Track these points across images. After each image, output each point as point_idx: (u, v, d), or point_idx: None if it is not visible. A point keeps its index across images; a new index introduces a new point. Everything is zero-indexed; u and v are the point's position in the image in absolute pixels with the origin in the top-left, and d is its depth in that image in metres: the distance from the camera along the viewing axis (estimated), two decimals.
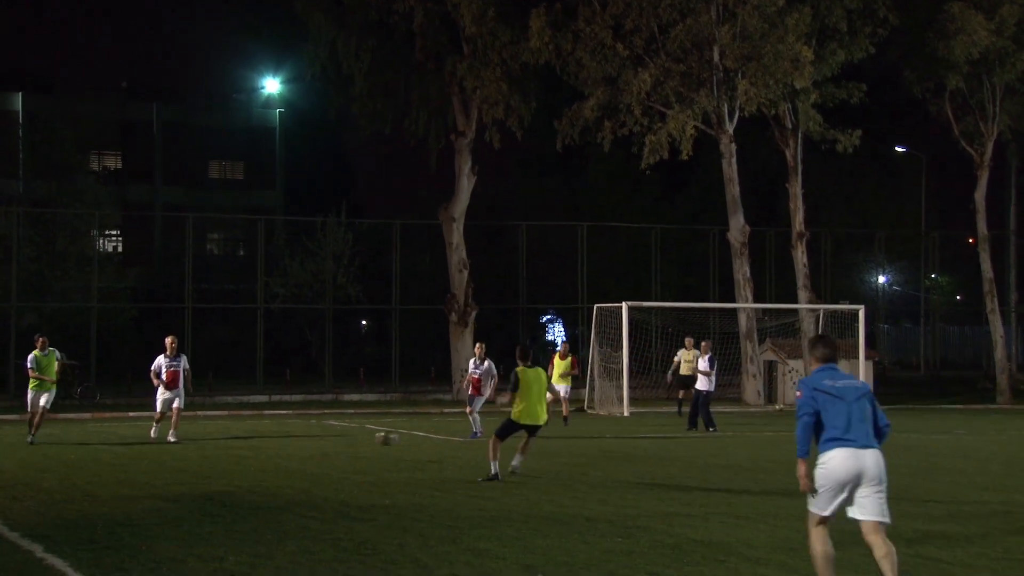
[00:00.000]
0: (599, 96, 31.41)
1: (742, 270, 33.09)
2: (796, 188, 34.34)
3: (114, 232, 50.38)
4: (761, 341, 33.30)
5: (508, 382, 14.59)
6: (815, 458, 7.45)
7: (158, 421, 19.54)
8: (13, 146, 44.45)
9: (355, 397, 33.80)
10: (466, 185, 34.47)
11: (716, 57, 31.15)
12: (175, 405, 19.39)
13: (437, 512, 11.26)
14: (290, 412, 28.60)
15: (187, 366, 19.51)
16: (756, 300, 34.23)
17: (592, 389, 29.53)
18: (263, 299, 36.72)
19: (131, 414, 26.73)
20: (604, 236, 41.66)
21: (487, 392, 20.16)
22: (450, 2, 32.01)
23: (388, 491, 12.84)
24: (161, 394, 19.31)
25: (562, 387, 23.71)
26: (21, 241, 34.82)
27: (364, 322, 50.16)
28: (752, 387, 32.81)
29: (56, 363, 18.93)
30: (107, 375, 33.80)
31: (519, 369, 14.08)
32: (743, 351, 32.99)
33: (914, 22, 33.21)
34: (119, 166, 53.22)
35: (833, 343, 7.86)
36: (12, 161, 43.93)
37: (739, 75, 31.00)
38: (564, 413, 23.92)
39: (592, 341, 30.02)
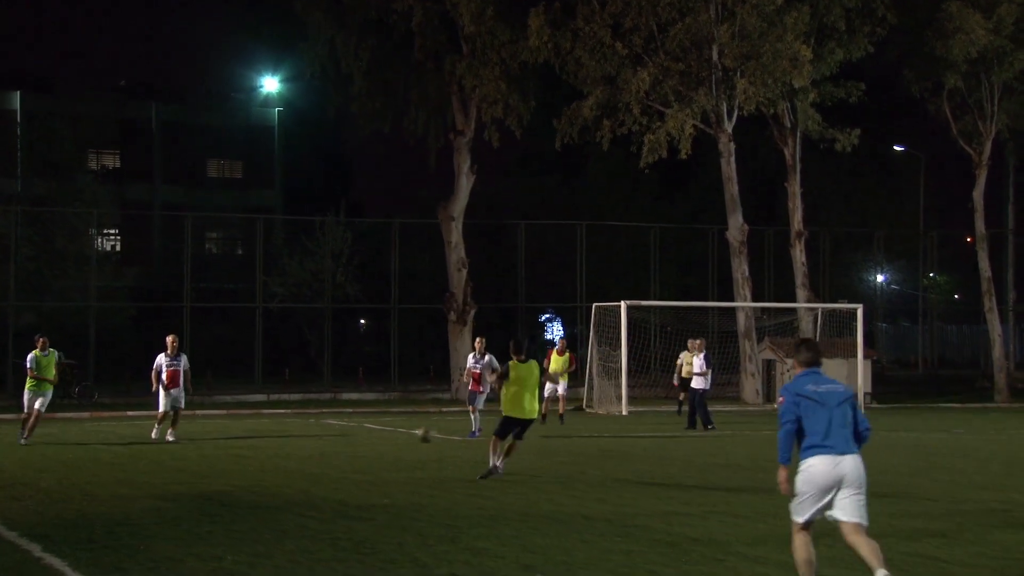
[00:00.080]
0: (598, 95, 31.42)
1: (741, 269, 33.10)
2: (795, 187, 34.35)
3: (113, 231, 50.35)
4: (760, 340, 33.31)
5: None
6: (796, 464, 7.53)
7: (160, 421, 19.45)
8: (12, 145, 44.42)
9: (354, 396, 33.80)
10: (465, 184, 34.47)
11: (715, 56, 31.16)
12: (178, 406, 19.38)
13: (436, 511, 11.26)
14: (289, 411, 28.60)
15: (187, 365, 19.49)
16: (755, 299, 34.24)
17: (591, 388, 29.53)
18: (262, 298, 36.72)
19: (129, 413, 26.72)
20: (603, 235, 41.66)
21: (487, 387, 20.07)
22: (449, 1, 32.00)
23: (387, 490, 12.84)
24: (164, 394, 19.25)
25: (559, 384, 23.74)
26: (19, 240, 34.80)
27: (363, 321, 50.17)
28: (751, 386, 32.83)
29: (56, 365, 18.82)
30: (105, 374, 33.79)
31: (511, 362, 14.19)
32: (742, 350, 33.01)
33: (913, 21, 33.22)
34: (118, 165, 53.18)
35: (817, 347, 7.93)
36: (11, 160, 43.90)
37: (738, 74, 31.01)
38: (560, 411, 23.93)
39: (591, 340, 30.02)
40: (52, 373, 18.68)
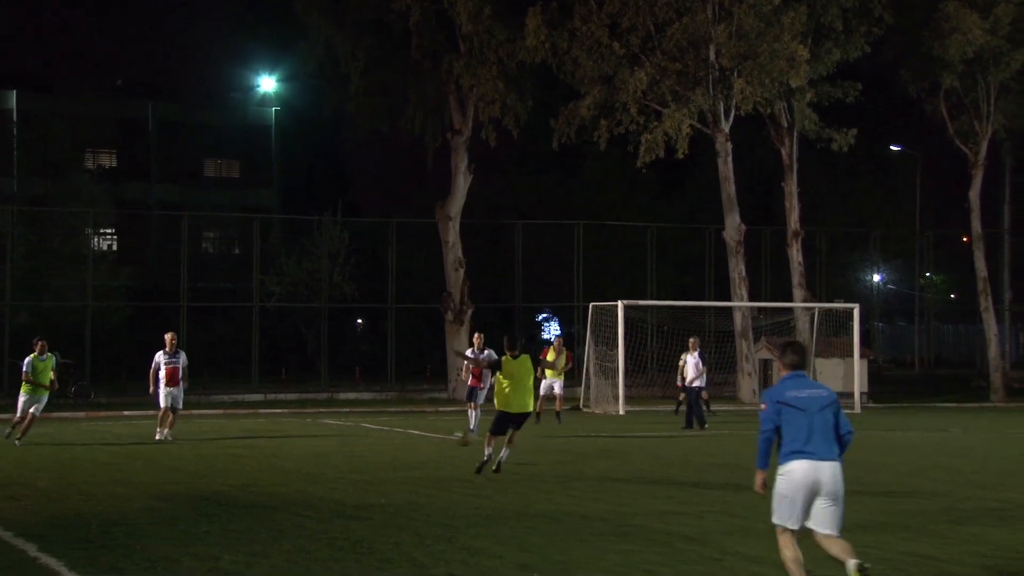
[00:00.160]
0: (595, 95, 31.42)
1: (738, 269, 33.11)
2: (791, 187, 34.37)
3: (109, 231, 50.30)
4: (756, 339, 33.33)
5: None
6: (774, 470, 7.62)
7: (162, 421, 19.28)
8: (8, 144, 44.39)
9: (351, 396, 33.78)
10: (462, 183, 34.46)
11: (712, 56, 31.17)
12: (176, 405, 19.34)
13: (433, 511, 11.27)
14: (286, 411, 28.59)
15: (186, 362, 19.45)
16: (751, 299, 34.26)
17: (588, 387, 29.54)
18: (259, 298, 36.68)
19: (126, 413, 26.71)
20: (600, 235, 41.66)
21: (487, 382, 19.97)
22: (446, 1, 32.00)
23: (384, 490, 12.84)
24: (163, 391, 19.13)
25: (556, 383, 23.74)
26: (16, 239, 34.75)
27: (360, 321, 50.13)
28: (747, 385, 32.85)
29: (53, 370, 18.64)
30: (102, 374, 33.76)
31: (504, 357, 14.38)
32: (738, 349, 33.02)
33: (909, 21, 33.25)
34: (114, 164, 53.13)
35: (802, 350, 7.93)
36: (7, 159, 43.87)
37: (735, 74, 31.02)
38: (557, 409, 23.94)
39: (588, 339, 30.03)
40: (49, 378, 18.45)
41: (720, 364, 31.76)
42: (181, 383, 19.30)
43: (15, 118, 46.84)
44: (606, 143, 32.48)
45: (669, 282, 40.72)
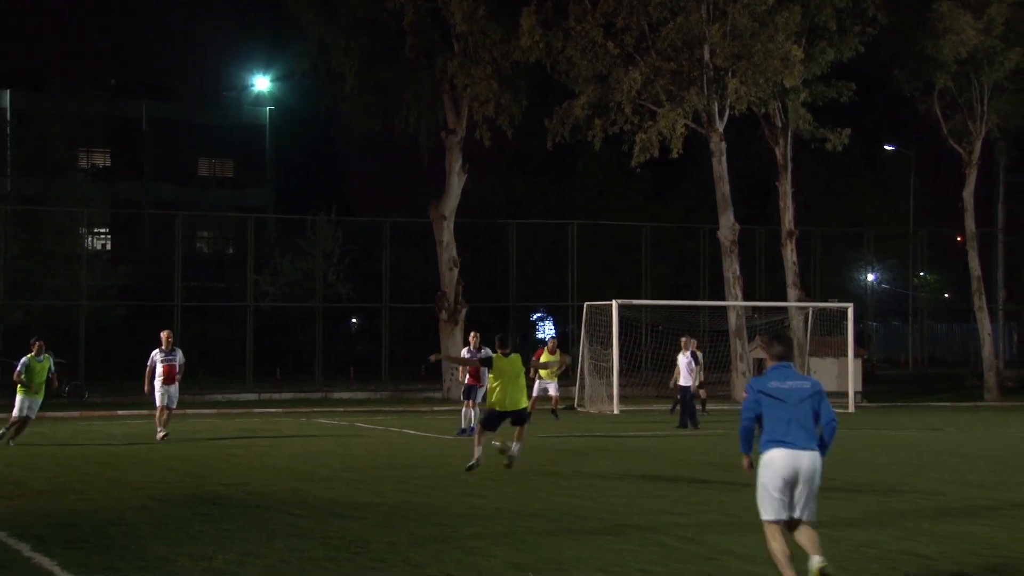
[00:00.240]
0: (590, 94, 31.43)
1: (732, 268, 33.14)
2: (786, 186, 34.40)
3: (103, 230, 50.24)
4: (751, 339, 33.36)
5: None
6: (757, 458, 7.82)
7: (160, 421, 19.20)
8: (2, 143, 44.32)
9: (345, 395, 33.77)
10: (456, 183, 34.45)
11: (706, 56, 31.19)
12: (171, 405, 19.30)
13: (428, 510, 11.26)
14: (280, 410, 28.56)
15: (183, 360, 19.41)
16: (746, 298, 34.29)
17: (582, 387, 29.56)
18: (253, 297, 36.66)
19: (120, 413, 26.68)
20: (594, 234, 41.69)
21: (485, 380, 19.89)
22: (440, 0, 31.98)
23: (379, 489, 12.84)
24: (159, 389, 19.05)
25: (550, 385, 23.74)
26: (9, 239, 34.68)
27: (354, 320, 50.14)
28: (742, 385, 32.84)
29: (48, 372, 18.48)
30: (96, 373, 33.71)
31: (495, 355, 14.62)
32: (733, 349, 33.05)
33: (903, 21, 33.30)
34: (108, 164, 53.06)
35: (789, 342, 8.20)
36: (1, 158, 43.77)
37: (729, 74, 31.04)
38: (553, 406, 23.94)
39: (582, 339, 30.05)
40: (43, 379, 18.27)
41: (714, 364, 31.78)
42: (177, 381, 19.27)
43: (9, 117, 46.75)
44: (600, 143, 32.49)
45: (664, 282, 40.75)
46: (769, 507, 7.65)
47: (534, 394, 22.15)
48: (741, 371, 32.93)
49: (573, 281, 37.56)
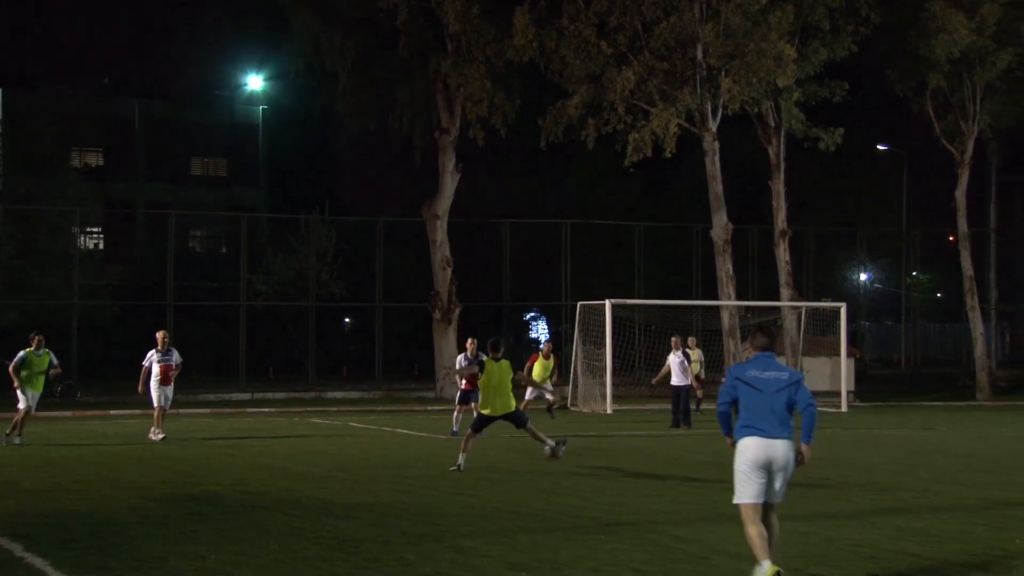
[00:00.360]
0: (583, 94, 31.44)
1: (725, 268, 33.16)
2: (779, 186, 34.43)
3: (96, 229, 50.11)
4: (744, 339, 33.37)
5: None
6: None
7: (157, 421, 19.14)
8: None
9: (338, 395, 33.74)
10: (450, 182, 34.44)
11: (699, 55, 31.22)
12: (166, 405, 19.26)
13: (421, 510, 11.26)
14: (273, 410, 28.54)
15: (179, 360, 19.37)
16: (739, 297, 34.30)
17: (575, 387, 29.56)
18: (246, 297, 36.61)
19: (113, 412, 26.63)
20: (588, 234, 41.70)
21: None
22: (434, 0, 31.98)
23: (372, 489, 12.83)
24: (155, 390, 19.01)
25: (544, 391, 23.68)
26: (3, 238, 34.58)
27: (347, 320, 50.08)
28: None
29: (54, 366, 18.50)
30: (89, 373, 33.63)
31: (486, 359, 14.75)
32: (726, 348, 33.07)
33: (896, 21, 33.35)
34: (101, 163, 52.94)
35: (772, 332, 8.32)
36: None
37: (722, 73, 31.07)
38: (550, 404, 23.90)
39: (576, 339, 30.05)
40: (42, 371, 18.30)
41: (707, 363, 31.79)
42: (172, 381, 19.24)
43: (1, 116, 46.59)
44: (594, 142, 32.49)
45: (657, 281, 40.76)
46: (746, 491, 7.81)
47: (527, 396, 22.02)
48: None
49: (566, 281, 37.58)
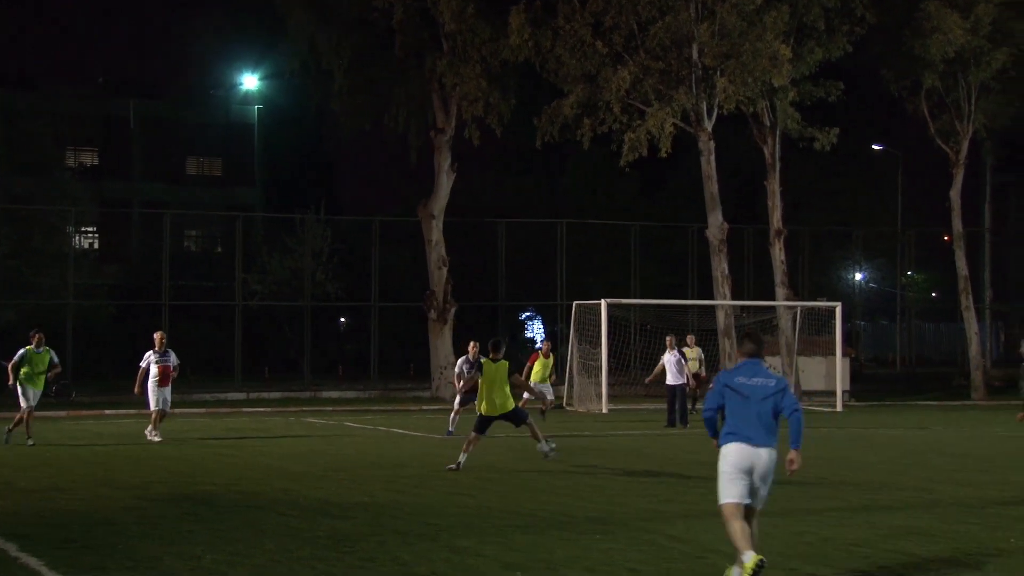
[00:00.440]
0: (578, 93, 31.44)
1: (720, 267, 33.17)
2: (774, 186, 34.46)
3: (91, 229, 50.05)
4: (739, 339, 33.38)
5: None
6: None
7: (154, 421, 19.05)
8: None
9: (334, 394, 33.71)
10: (445, 182, 34.42)
11: (695, 55, 31.23)
12: (165, 408, 19.21)
13: (417, 509, 11.26)
14: (269, 410, 28.52)
15: (177, 361, 19.32)
16: (734, 297, 34.31)
17: (571, 386, 29.56)
18: (241, 296, 36.57)
19: (108, 412, 26.59)
20: (583, 233, 41.68)
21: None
22: None
23: (368, 488, 12.83)
24: (153, 391, 18.97)
25: (544, 386, 23.70)
26: None
27: (343, 319, 50.05)
28: None
29: (51, 364, 18.42)
30: (84, 373, 33.57)
31: (484, 360, 14.85)
32: (721, 348, 33.07)
33: (891, 21, 33.38)
34: (96, 162, 52.86)
35: (759, 339, 8.38)
36: None
37: (718, 73, 31.09)
38: (543, 407, 23.90)
39: (571, 338, 30.06)
40: (43, 371, 18.23)
41: (703, 363, 31.81)
42: (171, 382, 19.18)
43: None
44: (589, 142, 32.50)
45: (652, 281, 40.77)
46: (730, 490, 7.84)
47: (525, 396, 22.02)
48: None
49: (562, 280, 37.57)
